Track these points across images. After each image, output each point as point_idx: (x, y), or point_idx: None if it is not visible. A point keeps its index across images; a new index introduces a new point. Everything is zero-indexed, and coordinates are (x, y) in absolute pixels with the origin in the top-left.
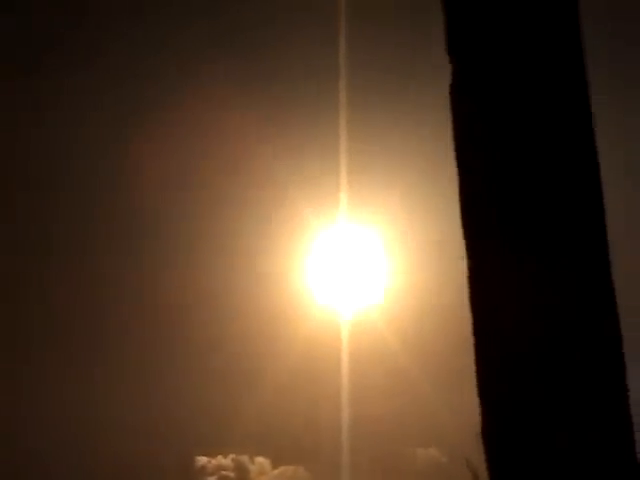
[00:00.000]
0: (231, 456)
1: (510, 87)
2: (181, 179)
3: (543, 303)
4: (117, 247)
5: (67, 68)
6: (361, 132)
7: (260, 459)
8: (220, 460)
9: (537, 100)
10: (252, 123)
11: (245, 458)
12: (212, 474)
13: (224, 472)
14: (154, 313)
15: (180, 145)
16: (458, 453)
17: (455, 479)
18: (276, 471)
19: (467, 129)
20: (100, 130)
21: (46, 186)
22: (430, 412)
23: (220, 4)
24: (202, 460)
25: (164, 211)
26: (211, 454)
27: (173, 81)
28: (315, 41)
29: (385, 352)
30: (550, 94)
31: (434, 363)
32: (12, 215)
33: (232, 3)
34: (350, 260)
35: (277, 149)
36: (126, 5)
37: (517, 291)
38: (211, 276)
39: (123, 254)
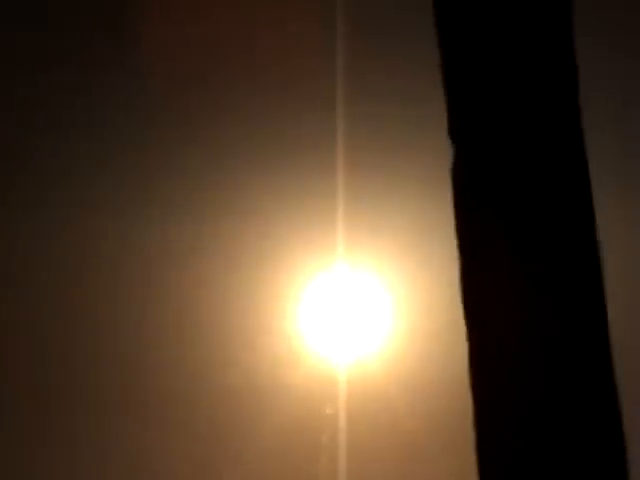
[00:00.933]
0: None
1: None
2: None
3: (534, 305)
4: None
5: None
6: (359, 172)
7: None
8: None
9: (526, 98)
10: (247, 161)
11: None
12: None
13: None
14: (139, 362)
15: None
16: None
17: None
18: None
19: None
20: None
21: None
22: (432, 470)
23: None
24: None
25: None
26: None
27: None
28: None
29: (384, 405)
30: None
31: (437, 418)
32: None
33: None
34: (348, 306)
35: (271, 187)
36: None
37: (509, 293)
38: (199, 322)
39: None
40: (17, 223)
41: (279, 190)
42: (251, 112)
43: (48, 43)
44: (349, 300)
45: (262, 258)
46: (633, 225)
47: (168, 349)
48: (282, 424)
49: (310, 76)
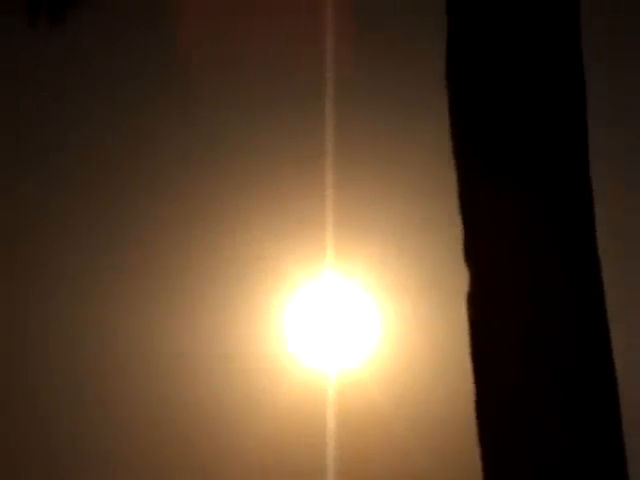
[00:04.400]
0: None
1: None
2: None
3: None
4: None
5: None
6: (348, 182)
7: None
8: None
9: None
10: (237, 171)
11: None
12: None
13: None
14: (129, 374)
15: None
16: None
17: None
18: None
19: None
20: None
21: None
22: (423, 477)
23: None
24: None
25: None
26: None
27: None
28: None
29: (375, 415)
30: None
31: (429, 426)
32: None
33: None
34: (336, 316)
35: (260, 197)
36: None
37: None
38: (186, 332)
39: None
40: None
41: (268, 200)
42: (240, 122)
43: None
44: (338, 309)
45: (251, 268)
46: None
47: (156, 360)
48: (271, 433)
49: (298, 87)
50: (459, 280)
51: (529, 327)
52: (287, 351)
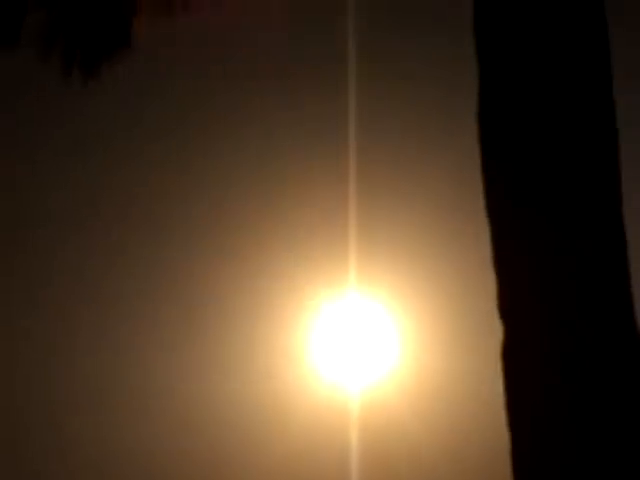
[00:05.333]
0: None
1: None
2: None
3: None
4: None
5: None
6: (372, 204)
7: None
8: None
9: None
10: (259, 190)
11: None
12: None
13: None
14: (152, 395)
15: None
16: None
17: None
18: None
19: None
20: None
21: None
22: None
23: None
24: None
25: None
26: None
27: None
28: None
29: (396, 426)
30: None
31: (450, 439)
32: None
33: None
34: (359, 334)
35: (284, 217)
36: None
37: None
38: (211, 349)
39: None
40: None
41: (293, 224)
42: (261, 143)
43: None
44: (360, 328)
45: (277, 291)
46: None
47: (177, 377)
48: (294, 450)
49: (320, 100)
50: (476, 297)
51: (564, 380)
52: (312, 368)
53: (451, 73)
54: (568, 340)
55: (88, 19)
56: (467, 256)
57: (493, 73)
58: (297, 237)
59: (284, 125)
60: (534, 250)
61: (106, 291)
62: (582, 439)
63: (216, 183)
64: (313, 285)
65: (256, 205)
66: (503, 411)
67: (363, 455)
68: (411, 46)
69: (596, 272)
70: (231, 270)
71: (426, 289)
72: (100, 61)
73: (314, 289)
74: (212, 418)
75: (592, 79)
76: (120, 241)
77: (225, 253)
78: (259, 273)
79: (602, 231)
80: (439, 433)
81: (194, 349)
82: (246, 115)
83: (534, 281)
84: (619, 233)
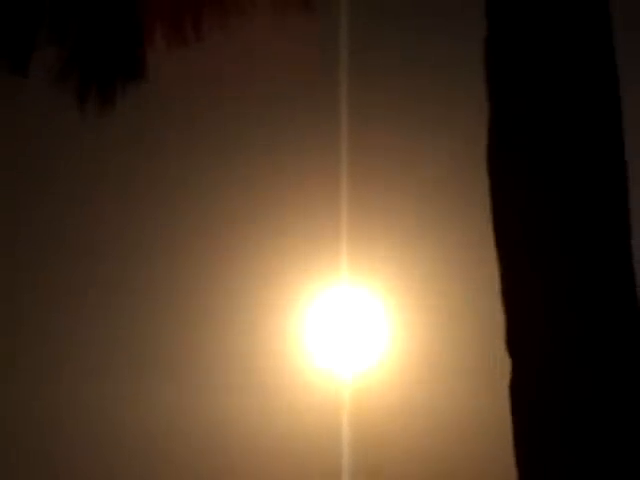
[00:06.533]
0: None
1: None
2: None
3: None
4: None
5: None
6: (363, 195)
7: None
8: None
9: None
10: (252, 182)
11: None
12: None
13: None
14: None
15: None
16: None
17: None
18: None
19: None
20: None
21: None
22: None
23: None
24: None
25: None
26: None
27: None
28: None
29: (388, 416)
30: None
31: (441, 425)
32: None
33: None
34: (350, 323)
35: (275, 205)
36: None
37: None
38: (203, 339)
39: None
40: None
41: (284, 212)
42: (255, 132)
43: None
44: (352, 317)
45: (268, 278)
46: None
47: (172, 371)
48: (286, 436)
49: (313, 95)
50: (467, 287)
51: (571, 415)
52: (305, 356)
53: (446, 61)
54: (579, 379)
55: (102, 50)
56: (458, 247)
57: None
58: (289, 227)
59: (275, 115)
60: (544, 283)
61: (105, 289)
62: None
63: (208, 174)
64: (305, 275)
65: (248, 196)
66: (491, 396)
67: (355, 441)
68: (409, 36)
69: (608, 309)
70: (224, 261)
71: (417, 279)
72: (114, 92)
73: (306, 279)
74: (205, 407)
75: (599, 84)
76: (118, 238)
77: (218, 245)
78: (252, 264)
79: (614, 268)
80: (429, 419)
81: (187, 341)
82: (241, 115)
83: (544, 316)
84: (629, 268)
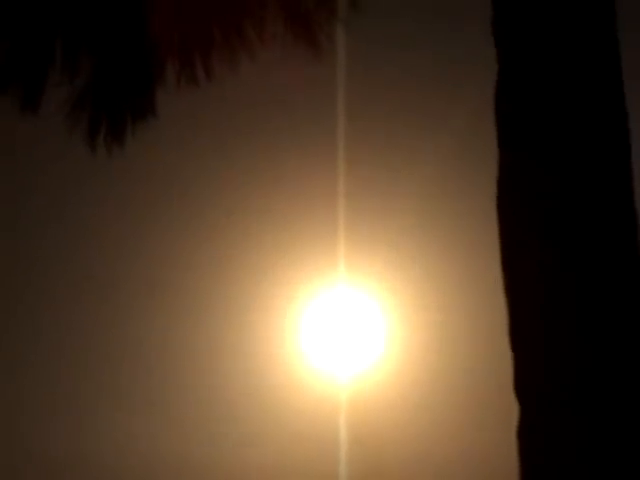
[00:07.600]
0: None
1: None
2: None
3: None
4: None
5: None
6: (360, 195)
7: None
8: None
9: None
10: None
11: None
12: None
13: None
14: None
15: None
16: None
17: None
18: None
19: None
20: None
21: None
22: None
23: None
24: None
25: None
26: None
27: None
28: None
29: (385, 417)
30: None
31: (438, 427)
32: None
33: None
34: (348, 324)
35: (272, 204)
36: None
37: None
38: (199, 339)
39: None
40: None
41: (281, 212)
42: (252, 134)
43: None
44: (349, 318)
45: (265, 278)
46: None
47: (169, 366)
48: (284, 438)
49: (311, 93)
50: (465, 286)
51: (577, 410)
52: (301, 357)
53: (447, 58)
54: (585, 372)
55: (113, 88)
56: (456, 246)
57: (511, 66)
58: (286, 227)
59: (273, 116)
60: (548, 283)
61: (104, 290)
62: None
63: (206, 175)
64: (302, 276)
65: (244, 196)
66: (489, 396)
67: (352, 442)
68: (409, 33)
69: (615, 310)
70: (220, 262)
71: (414, 279)
72: (125, 129)
73: (303, 280)
74: (201, 408)
75: (604, 85)
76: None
77: (214, 245)
78: (248, 265)
79: (621, 267)
80: (426, 420)
81: (183, 340)
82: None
83: (547, 312)
84: (636, 267)
